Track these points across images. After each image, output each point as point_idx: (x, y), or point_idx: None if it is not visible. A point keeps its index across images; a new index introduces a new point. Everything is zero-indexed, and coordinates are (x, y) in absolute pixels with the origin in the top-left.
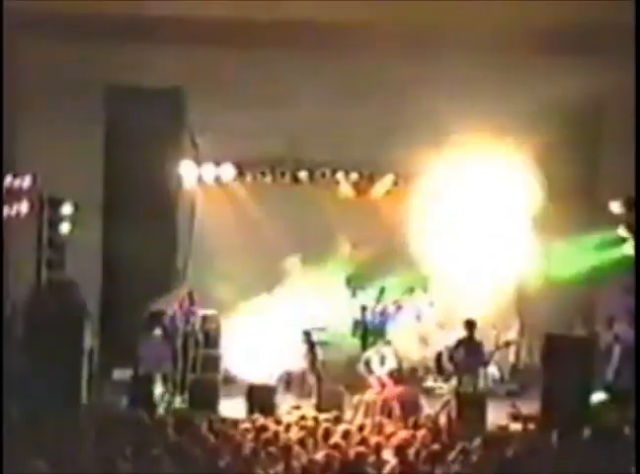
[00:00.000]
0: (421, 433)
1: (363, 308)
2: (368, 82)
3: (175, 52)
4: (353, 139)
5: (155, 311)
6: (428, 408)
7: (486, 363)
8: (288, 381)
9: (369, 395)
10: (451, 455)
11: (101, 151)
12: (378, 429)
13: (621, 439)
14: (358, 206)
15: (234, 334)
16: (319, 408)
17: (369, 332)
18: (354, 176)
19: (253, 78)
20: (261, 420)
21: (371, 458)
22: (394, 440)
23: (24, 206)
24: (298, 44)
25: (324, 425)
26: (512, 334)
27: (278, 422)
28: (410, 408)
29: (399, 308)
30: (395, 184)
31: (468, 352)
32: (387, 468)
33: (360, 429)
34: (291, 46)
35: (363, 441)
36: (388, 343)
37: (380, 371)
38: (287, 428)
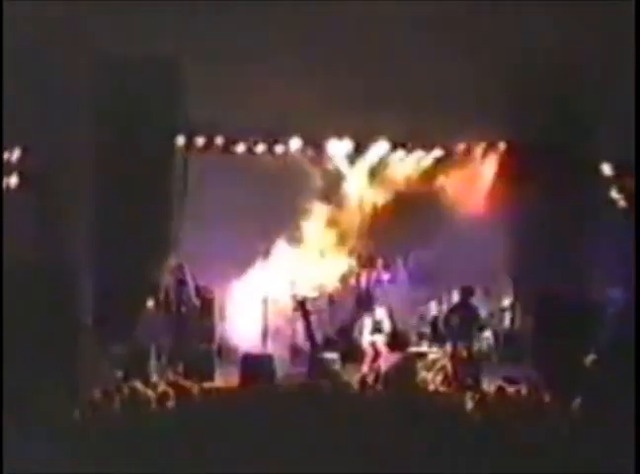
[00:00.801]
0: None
1: (358, 274)
2: (362, 51)
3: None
4: (344, 108)
5: (145, 283)
6: (423, 372)
7: (481, 329)
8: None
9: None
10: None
11: (92, 121)
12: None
13: (614, 400)
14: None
15: (229, 303)
16: (312, 376)
17: (363, 298)
18: (345, 144)
19: (247, 47)
20: (256, 388)
21: None
22: None
23: (13, 180)
24: (292, 14)
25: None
26: (506, 299)
27: (273, 389)
28: (405, 373)
29: (392, 272)
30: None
31: (463, 317)
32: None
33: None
34: (285, 15)
35: None
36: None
37: (375, 338)
38: (282, 395)
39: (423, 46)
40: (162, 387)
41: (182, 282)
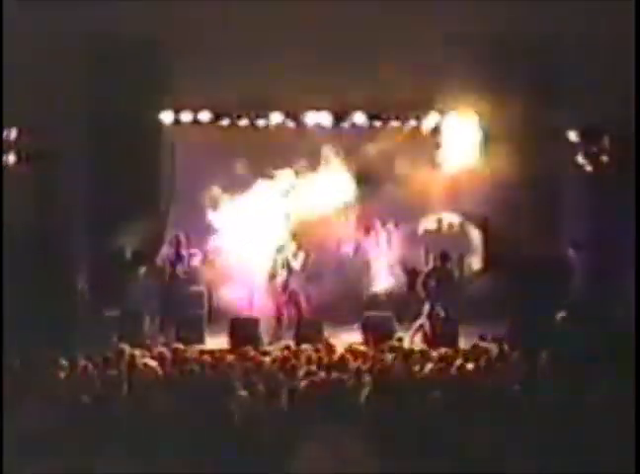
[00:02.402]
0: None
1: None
2: (344, 25)
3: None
4: (322, 82)
5: (137, 251)
6: (401, 331)
7: (457, 290)
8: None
9: None
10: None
11: (82, 100)
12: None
13: (583, 354)
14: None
15: (217, 268)
16: (298, 338)
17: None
18: (325, 116)
19: (229, 24)
20: (245, 350)
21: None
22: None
23: (11, 158)
24: None
25: (306, 353)
26: (478, 260)
27: (263, 352)
28: (384, 332)
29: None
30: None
31: (440, 279)
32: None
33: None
34: None
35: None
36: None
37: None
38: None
39: (397, 20)
40: (157, 349)
41: (177, 254)
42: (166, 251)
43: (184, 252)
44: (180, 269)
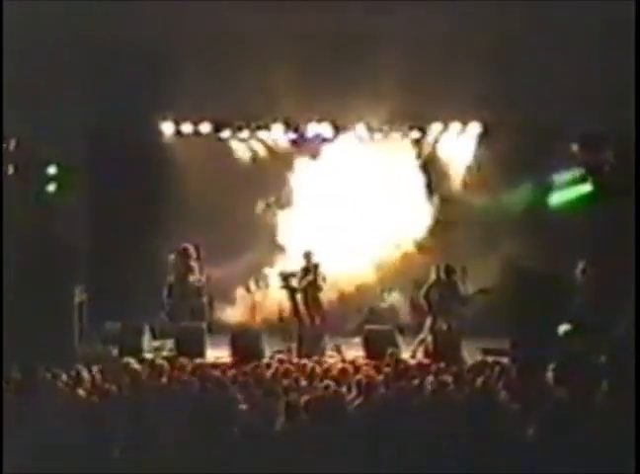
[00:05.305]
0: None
1: None
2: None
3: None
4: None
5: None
6: (404, 345)
7: (461, 303)
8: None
9: None
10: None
11: (84, 111)
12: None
13: (587, 366)
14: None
15: (219, 280)
16: (301, 352)
17: None
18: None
19: (229, 37)
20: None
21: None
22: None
23: (9, 170)
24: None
25: (310, 365)
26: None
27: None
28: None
29: None
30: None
31: (444, 292)
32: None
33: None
34: (268, 3)
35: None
36: None
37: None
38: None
39: (398, 31)
40: (156, 362)
41: (187, 265)
42: (175, 261)
43: (193, 263)
44: (192, 279)
